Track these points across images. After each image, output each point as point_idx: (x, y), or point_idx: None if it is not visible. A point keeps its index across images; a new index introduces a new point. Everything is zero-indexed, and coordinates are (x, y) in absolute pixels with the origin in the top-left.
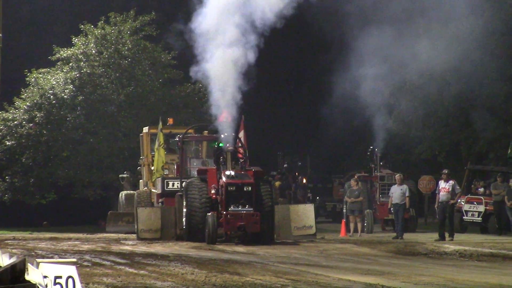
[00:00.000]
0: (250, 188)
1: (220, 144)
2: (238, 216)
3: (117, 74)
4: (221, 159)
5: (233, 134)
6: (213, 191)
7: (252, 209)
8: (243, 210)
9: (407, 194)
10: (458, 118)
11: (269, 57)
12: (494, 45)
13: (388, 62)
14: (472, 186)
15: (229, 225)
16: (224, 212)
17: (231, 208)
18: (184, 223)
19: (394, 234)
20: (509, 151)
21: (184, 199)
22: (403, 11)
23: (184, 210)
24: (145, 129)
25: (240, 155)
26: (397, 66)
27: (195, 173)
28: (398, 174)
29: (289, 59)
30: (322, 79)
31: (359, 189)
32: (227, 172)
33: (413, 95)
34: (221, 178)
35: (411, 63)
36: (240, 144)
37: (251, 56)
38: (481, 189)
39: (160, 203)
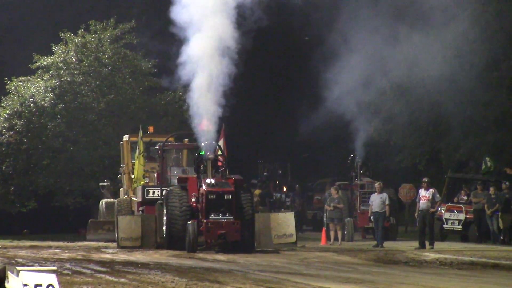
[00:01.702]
0: (230, 196)
1: (201, 153)
2: (218, 225)
3: (98, 82)
4: (202, 167)
5: (214, 142)
6: (193, 199)
7: (232, 217)
8: (224, 218)
9: (387, 202)
10: (438, 126)
11: (249, 64)
12: (473, 53)
13: (368, 69)
14: (462, 192)
15: (209, 233)
16: (205, 221)
17: (212, 216)
18: (164, 232)
19: (375, 242)
20: (483, 167)
21: (165, 207)
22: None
23: (165, 218)
24: (126, 137)
25: (220, 163)
26: (378, 74)
27: (176, 181)
28: (378, 183)
29: (269, 66)
30: (303, 86)
31: (339, 197)
32: (208, 180)
33: (393, 103)
34: (201, 186)
35: (391, 71)
36: (220, 152)
37: (231, 65)
38: (465, 197)
39: (140, 211)
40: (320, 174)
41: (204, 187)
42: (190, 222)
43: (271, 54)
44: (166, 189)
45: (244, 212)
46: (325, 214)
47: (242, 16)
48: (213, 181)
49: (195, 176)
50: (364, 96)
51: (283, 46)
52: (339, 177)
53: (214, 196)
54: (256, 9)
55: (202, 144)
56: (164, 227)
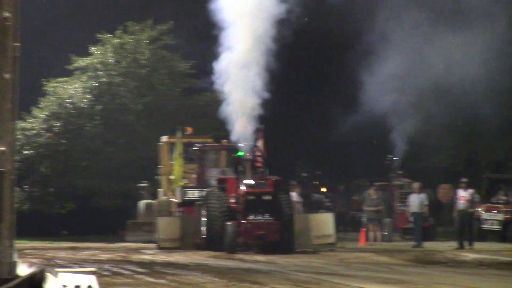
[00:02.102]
0: (269, 197)
1: (239, 153)
2: (257, 225)
3: (135, 84)
4: (240, 168)
5: (252, 142)
6: (232, 200)
7: (271, 218)
8: (263, 219)
9: (425, 202)
10: (476, 127)
11: (287, 64)
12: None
13: (406, 69)
14: (501, 192)
15: (248, 234)
16: (244, 221)
17: (251, 217)
18: (203, 233)
19: (413, 243)
20: None
21: (204, 209)
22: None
23: (204, 219)
24: (164, 138)
25: (259, 164)
26: (416, 74)
27: (214, 182)
28: (416, 183)
29: (306, 65)
30: (340, 85)
31: (378, 198)
32: (246, 181)
33: (431, 103)
34: (240, 187)
35: (429, 71)
36: (259, 153)
37: (270, 65)
38: (504, 197)
39: (179, 212)
40: (358, 174)
41: (243, 187)
42: (229, 223)
43: (308, 53)
44: (205, 190)
45: (283, 213)
46: (363, 215)
47: (281, 19)
48: (252, 182)
49: (234, 177)
50: (402, 97)
51: (320, 46)
52: (377, 178)
53: (253, 197)
54: (294, 8)
55: (241, 144)
56: (203, 228)
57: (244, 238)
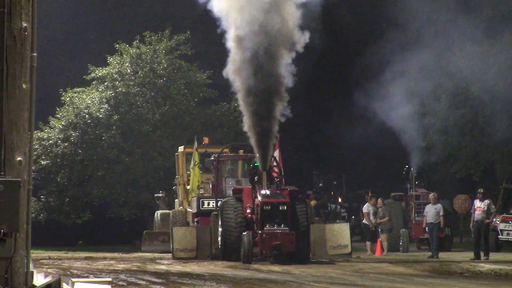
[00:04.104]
0: (285, 207)
1: (256, 164)
2: (273, 235)
3: (152, 94)
4: (256, 179)
5: (269, 153)
6: (248, 211)
7: (287, 228)
8: (279, 229)
9: (441, 213)
10: (493, 137)
11: (303, 76)
12: None
13: (424, 79)
14: None
15: (264, 244)
16: (260, 231)
17: (267, 227)
18: (219, 243)
19: (430, 253)
20: None
21: (220, 219)
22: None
23: (220, 229)
24: (181, 149)
25: (275, 174)
26: (433, 84)
27: (231, 192)
28: (432, 194)
29: (323, 76)
30: (358, 98)
31: (383, 209)
32: (263, 191)
33: (448, 114)
34: (256, 197)
35: (447, 81)
36: (275, 163)
37: (287, 77)
38: None
39: (195, 223)
40: (374, 185)
41: (259, 198)
42: (245, 233)
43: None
44: (221, 200)
45: (299, 223)
46: (379, 226)
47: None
48: (268, 192)
49: (250, 187)
50: (419, 107)
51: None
52: (393, 188)
53: (269, 207)
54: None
55: (257, 155)
56: (219, 238)
57: (260, 248)
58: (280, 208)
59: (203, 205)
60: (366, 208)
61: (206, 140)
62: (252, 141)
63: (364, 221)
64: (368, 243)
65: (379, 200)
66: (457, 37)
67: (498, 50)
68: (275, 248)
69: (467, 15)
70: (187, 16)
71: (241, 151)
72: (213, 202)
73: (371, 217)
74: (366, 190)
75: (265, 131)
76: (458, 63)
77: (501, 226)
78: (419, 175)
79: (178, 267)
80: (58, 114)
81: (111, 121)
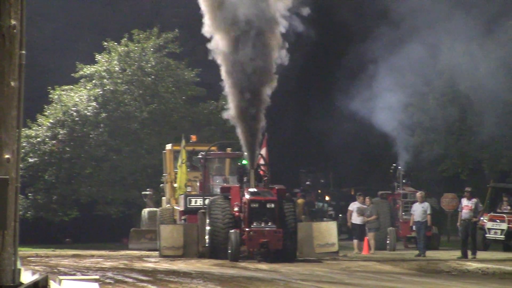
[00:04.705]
0: (273, 205)
1: (243, 162)
2: (261, 233)
3: (140, 91)
4: (244, 177)
5: (256, 151)
6: (236, 209)
7: (275, 226)
8: (266, 227)
9: (428, 211)
10: (481, 136)
11: (290, 73)
12: None
13: (411, 79)
14: (505, 202)
15: (252, 241)
16: (247, 229)
17: (254, 225)
18: (207, 241)
19: (417, 252)
20: None
21: (208, 217)
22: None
23: (207, 228)
24: (168, 146)
25: (262, 172)
26: (420, 84)
27: (218, 190)
28: (419, 192)
29: (310, 74)
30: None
31: (371, 208)
32: (250, 189)
33: (435, 113)
34: (244, 195)
35: (434, 80)
36: (262, 162)
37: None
38: (508, 207)
39: (183, 220)
40: (363, 183)
41: (247, 195)
42: (232, 231)
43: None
44: (208, 198)
45: (286, 222)
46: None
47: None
48: (256, 190)
49: (238, 185)
50: (407, 105)
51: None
52: (380, 186)
53: (257, 204)
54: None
55: (245, 153)
56: (207, 237)
57: (247, 246)
58: (268, 206)
59: (191, 203)
60: (351, 206)
61: (193, 138)
62: (239, 130)
63: (353, 220)
64: (355, 241)
65: (367, 199)
66: (446, 36)
67: (487, 49)
68: (262, 246)
69: (457, 14)
70: (175, 14)
71: (229, 149)
72: (200, 200)
73: (354, 215)
74: (350, 188)
75: (252, 118)
76: (447, 62)
77: (489, 225)
78: (407, 174)
79: (165, 265)
80: (46, 111)
81: (99, 119)
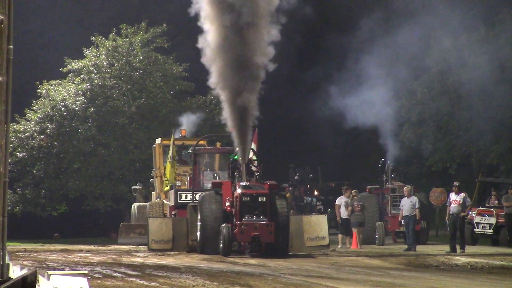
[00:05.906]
0: (264, 198)
1: (235, 157)
2: (252, 226)
3: (129, 86)
4: (236, 172)
5: (248, 146)
6: (227, 204)
7: (266, 219)
8: (258, 220)
9: (417, 206)
10: (469, 131)
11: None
12: (505, 57)
13: (399, 74)
14: (493, 197)
15: (243, 235)
16: (239, 222)
17: (246, 218)
18: (198, 236)
19: (405, 246)
20: None
21: (199, 213)
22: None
23: (199, 223)
24: (158, 141)
25: (254, 168)
26: (408, 78)
27: (208, 185)
28: (406, 187)
29: (298, 67)
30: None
31: (355, 200)
32: (242, 183)
33: (423, 107)
34: (236, 189)
35: (422, 74)
36: (254, 157)
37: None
38: (496, 201)
39: (173, 215)
40: (352, 178)
41: (238, 189)
42: (223, 225)
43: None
44: (199, 193)
45: (278, 216)
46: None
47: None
48: (247, 184)
49: (229, 181)
50: (395, 99)
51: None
52: (368, 181)
53: (248, 198)
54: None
55: (236, 148)
56: (198, 232)
57: (239, 239)
58: (259, 200)
59: (181, 197)
60: (339, 200)
61: (183, 132)
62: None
63: (341, 215)
64: (339, 236)
65: (353, 192)
66: (434, 30)
67: (474, 44)
68: (253, 239)
69: (444, 8)
70: (163, 9)
71: (218, 143)
72: (190, 195)
73: (342, 209)
74: (337, 182)
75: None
76: (435, 56)
77: (477, 219)
78: (395, 168)
79: (154, 260)
80: (34, 106)
81: (87, 113)
